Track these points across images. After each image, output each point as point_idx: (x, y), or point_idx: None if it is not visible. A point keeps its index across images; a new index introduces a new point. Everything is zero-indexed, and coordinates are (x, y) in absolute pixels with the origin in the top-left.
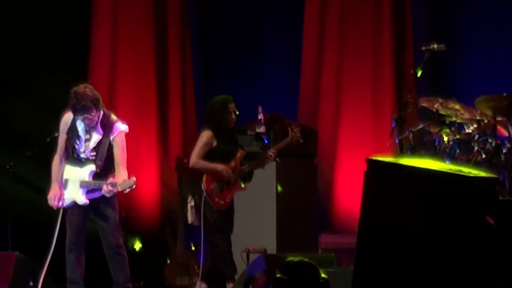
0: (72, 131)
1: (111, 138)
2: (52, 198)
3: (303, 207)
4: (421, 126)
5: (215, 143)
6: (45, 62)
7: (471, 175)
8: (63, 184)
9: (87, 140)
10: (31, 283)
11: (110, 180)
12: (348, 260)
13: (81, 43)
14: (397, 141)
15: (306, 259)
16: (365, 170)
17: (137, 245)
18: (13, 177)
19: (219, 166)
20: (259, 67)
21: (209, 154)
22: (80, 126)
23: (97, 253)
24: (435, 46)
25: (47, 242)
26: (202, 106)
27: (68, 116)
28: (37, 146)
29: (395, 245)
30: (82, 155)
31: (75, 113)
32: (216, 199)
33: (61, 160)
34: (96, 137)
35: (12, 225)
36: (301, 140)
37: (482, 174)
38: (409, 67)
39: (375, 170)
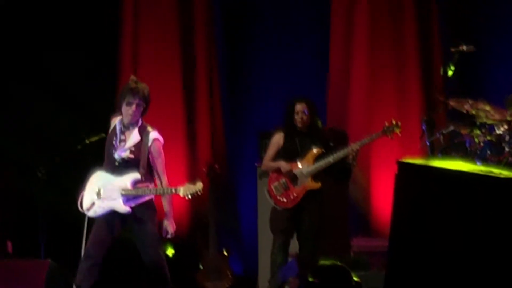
0: (112, 131)
1: (149, 144)
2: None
3: (335, 210)
4: (451, 128)
5: (282, 143)
6: (78, 69)
7: (502, 176)
8: (95, 193)
9: (122, 140)
10: None
11: (172, 187)
12: (381, 263)
13: (110, 52)
14: (427, 143)
15: (338, 263)
16: (396, 172)
17: (169, 251)
18: (44, 183)
19: (279, 163)
20: (285, 69)
21: (278, 154)
22: (118, 126)
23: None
24: (465, 47)
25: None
26: (228, 108)
27: (116, 119)
28: (67, 152)
29: (426, 247)
30: (116, 155)
31: (132, 94)
32: (278, 197)
33: None
34: (132, 140)
35: (43, 232)
36: (398, 133)
37: None
38: (437, 68)
39: (406, 172)
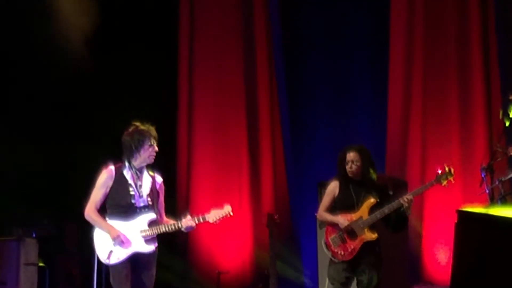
0: (120, 181)
1: (158, 185)
2: (122, 238)
3: (394, 259)
4: (511, 175)
5: (337, 192)
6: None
7: None
8: (110, 241)
9: (140, 186)
10: None
11: (196, 215)
12: None
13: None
14: (487, 191)
15: None
16: (456, 221)
17: None
18: None
19: (336, 218)
20: (344, 119)
21: (334, 204)
22: (128, 174)
23: None
24: None
25: None
26: (290, 160)
27: (111, 170)
28: None
29: None
30: (142, 203)
31: (152, 137)
32: (336, 250)
33: (99, 211)
34: (147, 182)
35: (103, 279)
36: (452, 181)
37: None
38: (497, 115)
39: (466, 222)
